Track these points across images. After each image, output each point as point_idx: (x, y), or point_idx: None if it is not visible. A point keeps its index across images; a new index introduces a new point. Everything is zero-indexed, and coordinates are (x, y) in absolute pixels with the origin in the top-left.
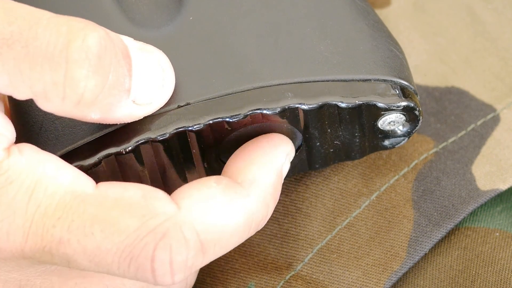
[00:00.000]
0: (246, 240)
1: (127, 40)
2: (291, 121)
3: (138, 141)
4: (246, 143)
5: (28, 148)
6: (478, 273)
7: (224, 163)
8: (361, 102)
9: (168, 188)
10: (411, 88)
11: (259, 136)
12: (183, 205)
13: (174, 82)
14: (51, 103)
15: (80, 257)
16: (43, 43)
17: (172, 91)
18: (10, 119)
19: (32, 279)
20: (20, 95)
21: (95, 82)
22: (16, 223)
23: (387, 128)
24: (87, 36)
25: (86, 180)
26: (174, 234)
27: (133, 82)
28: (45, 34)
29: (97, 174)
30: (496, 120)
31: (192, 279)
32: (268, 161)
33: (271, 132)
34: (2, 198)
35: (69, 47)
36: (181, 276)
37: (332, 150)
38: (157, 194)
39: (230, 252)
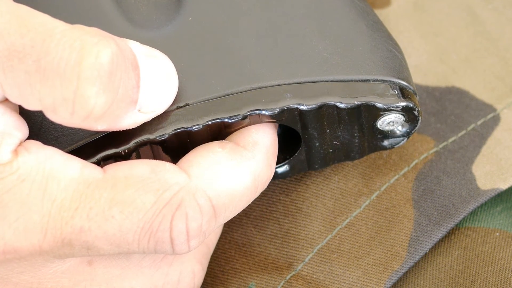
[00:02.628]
0: (246, 240)
1: (135, 46)
2: (290, 122)
3: (137, 142)
4: None
5: (33, 145)
6: (478, 273)
7: None
8: (360, 103)
9: None
10: (410, 89)
11: None
12: (192, 173)
13: (177, 88)
14: (59, 116)
15: (101, 242)
16: (55, 58)
17: (175, 96)
18: None
19: (44, 282)
20: (30, 107)
21: (105, 99)
22: (33, 220)
23: (386, 128)
24: (100, 52)
25: (93, 167)
26: (188, 202)
27: (140, 93)
28: (58, 49)
29: None
30: (496, 120)
31: (199, 279)
32: (263, 124)
33: None
34: (16, 197)
35: (81, 64)
36: (196, 242)
37: (331, 150)
38: (165, 166)
39: (230, 252)
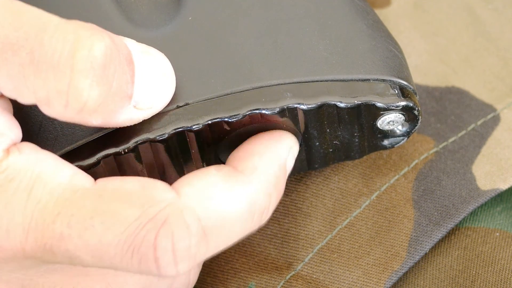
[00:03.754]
0: (246, 240)
1: (130, 44)
2: (290, 121)
3: (137, 142)
4: (248, 139)
5: (27, 147)
6: (478, 273)
7: (223, 163)
8: (360, 102)
9: None
10: (410, 88)
11: (262, 132)
12: (183, 192)
13: (175, 86)
14: (53, 109)
15: (82, 253)
16: (48, 51)
17: (173, 94)
18: None
19: (35, 278)
20: (24, 100)
21: (98, 92)
22: (15, 220)
23: (386, 128)
24: (93, 45)
25: (84, 177)
26: (175, 220)
27: (135, 88)
28: (51, 42)
29: (96, 174)
30: (496, 120)
31: (194, 275)
32: (269, 152)
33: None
34: (1, 196)
35: (74, 56)
36: (184, 266)
37: (331, 150)
38: (156, 184)
39: (230, 251)
